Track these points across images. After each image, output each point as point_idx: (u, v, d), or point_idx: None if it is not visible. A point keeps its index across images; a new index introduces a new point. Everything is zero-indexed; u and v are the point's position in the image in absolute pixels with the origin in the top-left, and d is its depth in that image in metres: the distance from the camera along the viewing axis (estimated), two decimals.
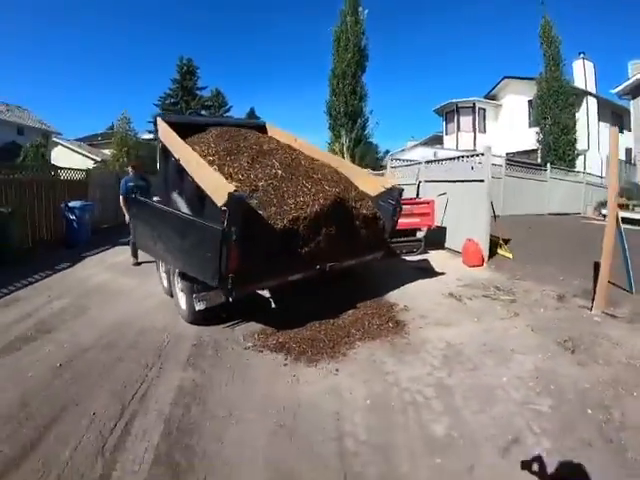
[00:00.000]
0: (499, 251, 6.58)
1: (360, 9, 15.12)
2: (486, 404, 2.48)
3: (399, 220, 6.24)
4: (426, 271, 5.85)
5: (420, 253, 6.89)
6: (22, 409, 2.45)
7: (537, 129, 16.17)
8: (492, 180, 10.39)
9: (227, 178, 3.91)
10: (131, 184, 6.45)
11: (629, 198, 10.41)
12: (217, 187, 3.27)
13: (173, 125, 5.03)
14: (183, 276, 3.84)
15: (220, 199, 3.10)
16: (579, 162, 16.07)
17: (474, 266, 6.09)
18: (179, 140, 4.44)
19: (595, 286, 4.17)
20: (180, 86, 27.49)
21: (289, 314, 4.03)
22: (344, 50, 14.72)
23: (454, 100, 20.57)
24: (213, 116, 26.59)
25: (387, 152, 23.06)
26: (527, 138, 16.88)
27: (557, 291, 4.74)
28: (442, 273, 5.73)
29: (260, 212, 3.57)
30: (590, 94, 17.45)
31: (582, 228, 8.64)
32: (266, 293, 4.52)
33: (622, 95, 13.68)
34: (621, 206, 8.28)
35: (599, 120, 17.10)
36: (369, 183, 4.75)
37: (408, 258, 6.72)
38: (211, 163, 4.15)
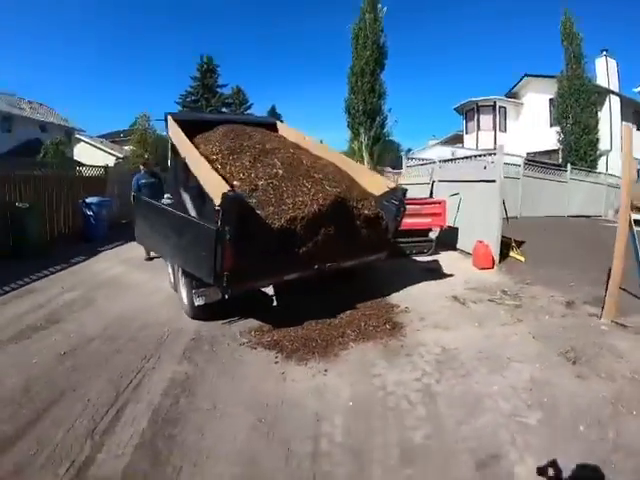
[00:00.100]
0: (511, 254, 6.50)
1: (379, 6, 15.12)
2: (472, 414, 2.46)
3: (409, 220, 6.38)
4: (434, 272, 5.84)
5: (430, 254, 6.89)
6: (24, 393, 2.68)
7: (558, 129, 15.89)
8: (510, 181, 10.38)
9: (229, 177, 4.07)
10: (143, 181, 6.76)
11: None
12: (215, 186, 3.42)
13: (183, 123, 5.22)
14: (184, 272, 4.03)
15: (217, 199, 3.25)
16: (601, 163, 15.72)
17: (484, 269, 6.04)
18: (184, 138, 4.63)
19: (606, 293, 4.07)
20: (201, 84, 28.23)
21: (288, 312, 4.13)
22: (363, 48, 14.74)
23: (474, 98, 20.43)
24: (234, 113, 27.10)
25: (409, 150, 22.94)
26: (548, 138, 16.60)
27: (566, 297, 4.65)
28: (450, 275, 5.71)
29: (258, 211, 3.69)
30: (613, 93, 16.97)
31: (601, 231, 8.38)
32: (269, 290, 4.63)
33: None
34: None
35: (622, 120, 16.39)
36: (373, 182, 4.79)
37: (418, 259, 6.73)
38: (214, 162, 4.31)
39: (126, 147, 22.84)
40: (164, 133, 20.32)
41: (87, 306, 4.51)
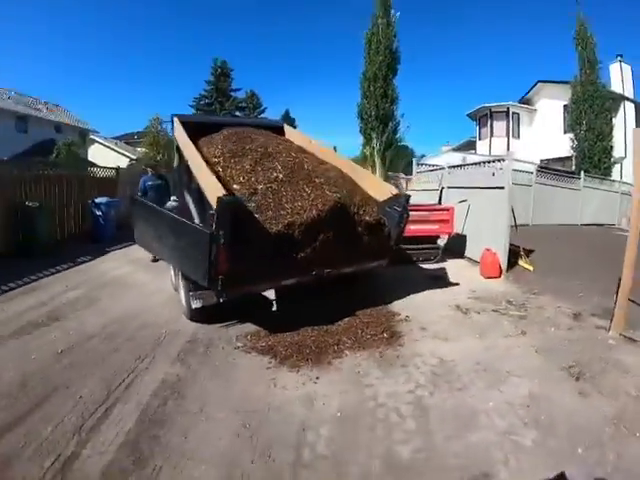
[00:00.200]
0: (520, 262, 6.43)
1: (392, 12, 15.32)
2: (464, 430, 2.41)
3: (416, 227, 6.43)
4: (439, 280, 5.81)
5: (437, 261, 6.87)
6: (20, 388, 2.79)
7: (572, 135, 15.79)
8: (522, 188, 10.42)
9: (229, 180, 4.14)
10: (149, 183, 6.94)
11: None
12: (212, 190, 3.49)
13: (188, 125, 5.32)
14: (182, 274, 4.12)
15: (213, 202, 3.32)
16: (615, 170, 15.50)
17: (491, 277, 6.00)
18: (187, 140, 4.73)
19: (615, 304, 3.97)
20: (215, 88, 28.81)
21: (286, 317, 4.16)
22: (375, 53, 14.93)
23: (487, 104, 20.53)
24: (248, 117, 27.48)
25: (422, 156, 22.96)
26: (562, 144, 16.48)
27: (574, 308, 4.56)
28: (455, 283, 5.67)
29: (256, 216, 3.74)
30: (627, 99, 16.79)
31: (614, 240, 8.19)
32: (271, 295, 4.65)
33: None
34: None
35: (637, 126, 16.08)
36: (377, 188, 4.79)
37: (424, 266, 6.71)
38: (216, 165, 4.39)
39: (139, 149, 23.43)
40: None
41: (89, 305, 4.65)
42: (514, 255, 6.44)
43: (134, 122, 70.79)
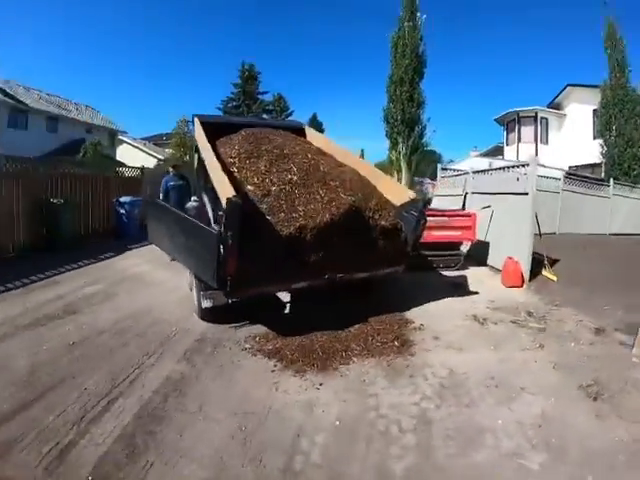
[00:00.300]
0: (543, 272, 6.22)
1: (418, 15, 15.25)
2: (467, 448, 2.30)
3: (438, 233, 6.36)
4: (458, 288, 5.68)
5: (458, 269, 6.75)
6: (29, 376, 2.94)
7: (601, 141, 15.19)
8: (549, 195, 10.22)
9: (243, 181, 4.20)
10: (171, 183, 7.16)
11: None
12: (223, 190, 3.54)
13: (209, 125, 5.43)
14: (195, 274, 4.20)
15: (224, 203, 3.38)
16: None
17: (512, 287, 5.84)
18: (205, 140, 4.84)
19: None
20: (242, 90, 29.45)
21: (297, 321, 4.18)
22: (402, 56, 14.90)
23: (515, 109, 20.17)
24: (276, 119, 27.88)
25: (450, 161, 22.65)
26: (591, 151, 15.84)
27: (597, 323, 4.33)
28: (475, 292, 5.53)
29: (268, 217, 3.78)
30: None
31: None
32: (285, 297, 4.70)
33: None
34: None
35: None
36: (396, 192, 4.73)
37: (444, 273, 6.60)
38: (232, 165, 4.46)
39: (167, 150, 24.24)
40: None
41: (105, 300, 4.83)
42: (538, 264, 6.24)
43: (164, 123, 73.22)
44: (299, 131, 6.22)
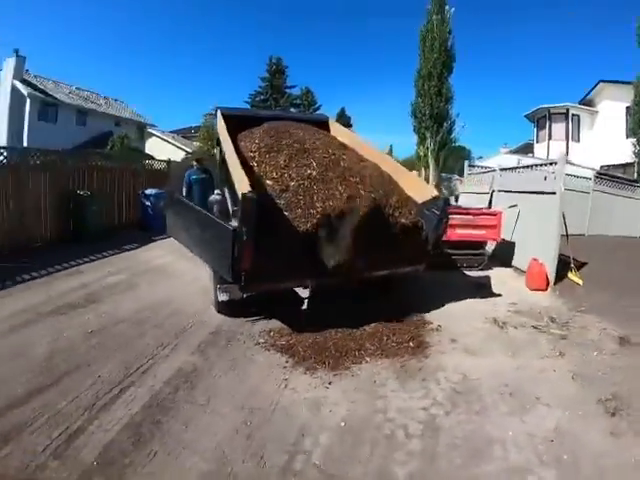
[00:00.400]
0: (569, 275, 5.97)
1: (446, 7, 14.95)
2: (473, 459, 2.22)
3: (462, 231, 6.26)
4: (480, 289, 5.52)
5: (482, 269, 6.58)
6: (47, 361, 3.09)
7: (634, 140, 14.50)
8: (578, 195, 9.92)
9: (262, 176, 4.21)
10: (194, 177, 7.28)
11: None
12: (240, 185, 3.54)
13: (232, 118, 5.46)
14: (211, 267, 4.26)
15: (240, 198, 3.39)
16: None
17: (536, 290, 5.63)
18: (225, 133, 4.87)
19: None
20: (270, 84, 29.60)
21: (313, 317, 4.17)
22: (430, 50, 14.71)
23: (546, 105, 19.39)
24: (304, 113, 27.91)
25: (480, 158, 22.06)
26: (624, 150, 15.13)
27: (621, 331, 4.09)
28: (497, 294, 5.36)
29: (285, 213, 3.77)
30: None
31: None
32: (304, 293, 4.69)
33: None
34: None
35: None
36: (418, 189, 4.63)
37: (468, 272, 6.45)
38: (252, 159, 4.48)
39: (195, 143, 24.75)
40: None
41: (127, 290, 5.00)
42: (564, 266, 6.00)
43: (193, 116, 74.91)
44: (323, 124, 6.16)
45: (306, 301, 4.64)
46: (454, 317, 4.42)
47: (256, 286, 3.76)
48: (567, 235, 6.12)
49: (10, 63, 18.06)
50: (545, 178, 6.20)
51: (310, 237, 3.72)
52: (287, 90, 30.56)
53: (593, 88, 18.78)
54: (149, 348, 3.45)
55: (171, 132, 28.37)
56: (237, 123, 5.28)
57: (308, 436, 2.38)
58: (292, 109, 30.15)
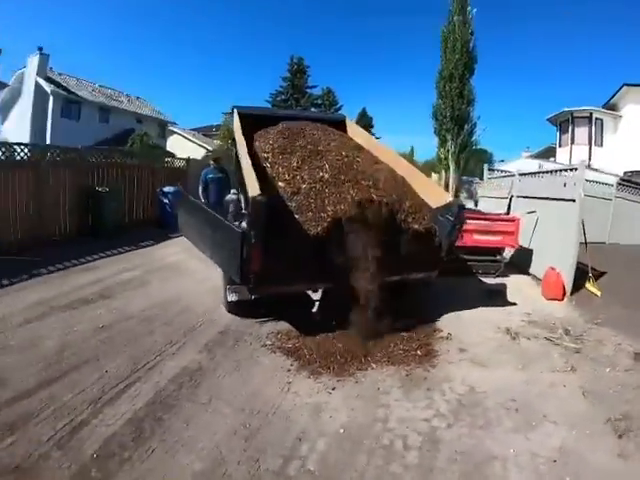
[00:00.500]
0: (587, 285, 5.79)
1: (468, 9, 14.82)
2: (471, 476, 2.17)
3: (478, 237, 6.20)
4: (494, 297, 5.42)
5: (498, 276, 6.46)
6: (57, 354, 3.21)
7: None
8: (600, 202, 9.65)
9: (274, 177, 4.25)
10: (210, 176, 7.40)
11: None
12: (250, 188, 3.54)
13: (249, 117, 5.50)
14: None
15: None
16: None
17: (552, 299, 5.50)
18: (240, 133, 4.92)
19: None
20: (291, 84, 29.75)
21: (322, 320, 4.16)
22: (452, 51, 14.63)
23: (569, 108, 18.97)
24: (325, 113, 27.94)
25: (501, 162, 21.72)
26: None
27: (638, 347, 3.95)
28: (512, 303, 5.25)
29: (296, 216, 3.79)
30: None
31: None
32: (315, 295, 4.65)
33: None
34: None
35: None
36: (433, 193, 4.56)
37: (484, 279, 6.34)
38: (265, 160, 4.52)
39: (216, 141, 25.12)
40: None
41: (139, 286, 5.13)
42: (582, 276, 5.83)
43: (215, 115, 76.25)
44: (340, 124, 6.14)
45: (317, 304, 4.65)
46: (465, 325, 4.35)
47: (265, 288, 3.78)
48: (586, 243, 5.96)
49: (34, 61, 18.56)
50: (565, 184, 6.04)
51: (320, 241, 3.73)
52: (308, 90, 30.64)
53: (617, 92, 18.33)
54: (157, 345, 3.53)
55: (192, 130, 28.88)
56: (254, 122, 5.32)
57: (305, 441, 2.39)
58: (313, 109, 30.23)
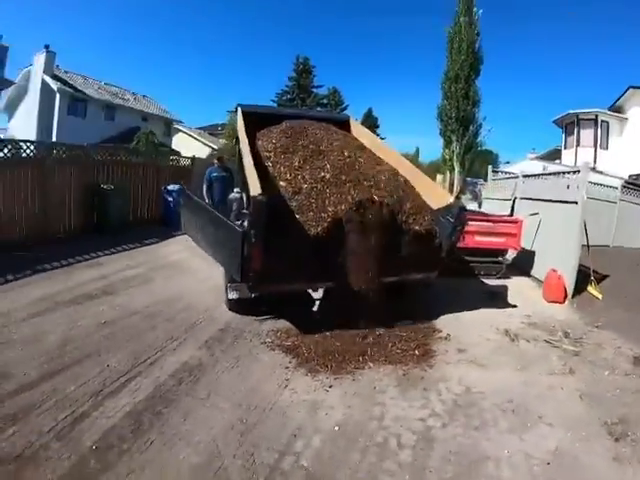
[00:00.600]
0: (588, 288, 5.79)
1: (474, 10, 14.83)
2: (463, 475, 2.18)
3: (480, 238, 6.25)
4: (495, 299, 5.44)
5: (500, 277, 6.49)
6: (59, 348, 3.28)
7: None
8: (604, 204, 9.65)
9: (276, 177, 4.29)
10: (214, 174, 7.47)
11: None
12: (251, 187, 3.57)
13: (253, 115, 5.54)
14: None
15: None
16: None
17: (553, 302, 5.51)
18: (243, 132, 4.95)
19: None
20: (296, 84, 29.85)
21: (322, 319, 4.21)
22: (457, 52, 14.69)
23: (574, 111, 18.86)
24: (331, 113, 27.97)
25: (507, 163, 21.70)
26: None
27: (637, 351, 3.95)
28: (512, 305, 5.27)
29: (297, 216, 3.82)
30: None
31: None
32: (316, 294, 4.66)
33: None
34: None
35: None
36: (434, 194, 4.58)
37: (485, 281, 6.37)
38: (267, 159, 4.56)
39: (221, 140, 25.26)
40: None
41: (143, 284, 5.20)
42: (584, 279, 5.83)
43: (220, 113, 76.50)
44: (344, 124, 6.16)
45: (317, 303, 4.69)
46: (465, 326, 4.37)
47: (265, 287, 3.84)
48: (588, 246, 5.95)
49: (40, 59, 18.77)
50: (568, 187, 6.04)
51: (320, 240, 3.77)
52: (314, 90, 30.73)
53: (623, 94, 18.23)
54: (159, 341, 3.59)
55: (198, 128, 29.05)
56: (258, 120, 5.36)
57: (301, 437, 2.43)
58: (319, 108, 30.28)
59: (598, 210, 8.69)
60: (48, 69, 18.80)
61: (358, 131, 6.02)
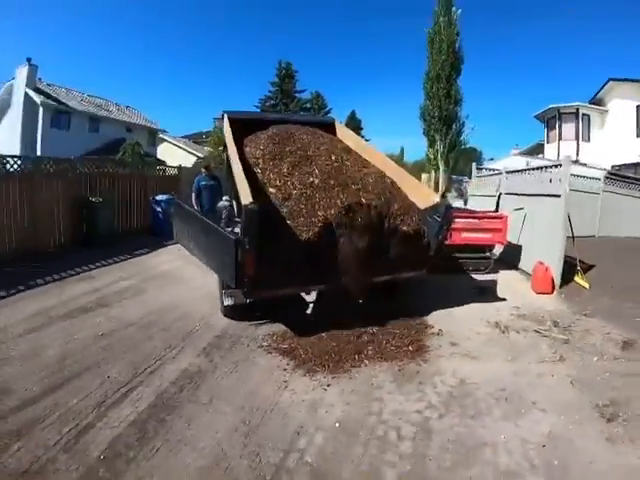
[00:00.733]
0: (575, 278, 5.97)
1: (453, 9, 15.12)
2: (462, 462, 2.27)
3: (467, 235, 6.37)
4: (485, 293, 5.58)
5: (488, 272, 6.64)
6: (59, 362, 3.27)
7: None
8: (588, 196, 9.99)
9: (266, 184, 4.35)
10: (203, 183, 7.49)
11: None
12: (242, 195, 3.63)
13: (239, 121, 5.57)
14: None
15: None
16: None
17: (542, 293, 5.67)
18: (230, 139, 5.00)
19: None
20: (279, 89, 29.94)
21: (316, 320, 4.30)
22: (438, 52, 14.96)
23: (555, 105, 19.22)
24: (314, 116, 28.07)
25: (491, 160, 22.05)
26: (634, 149, 15.20)
27: (625, 336, 4.09)
28: (501, 298, 5.41)
29: (288, 222, 3.89)
30: None
31: None
32: (309, 297, 4.78)
33: None
34: None
35: None
36: (421, 194, 4.69)
37: (474, 276, 6.52)
38: (256, 166, 4.62)
39: (206, 148, 25.15)
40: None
41: (136, 295, 5.19)
42: (571, 269, 6.01)
43: (204, 121, 76.28)
44: (329, 126, 6.24)
45: (311, 305, 4.76)
46: (456, 321, 4.48)
47: (259, 292, 3.89)
48: (573, 237, 6.13)
49: (23, 72, 18.52)
50: (550, 181, 6.22)
51: (312, 245, 3.84)
52: (297, 94, 30.87)
53: (603, 87, 18.62)
54: (157, 350, 3.61)
55: (182, 137, 28.93)
56: (244, 126, 5.40)
57: (303, 435, 2.49)
58: (302, 113, 30.41)
59: (582, 202, 9.02)
60: (30, 82, 18.56)
61: (343, 133, 6.10)
